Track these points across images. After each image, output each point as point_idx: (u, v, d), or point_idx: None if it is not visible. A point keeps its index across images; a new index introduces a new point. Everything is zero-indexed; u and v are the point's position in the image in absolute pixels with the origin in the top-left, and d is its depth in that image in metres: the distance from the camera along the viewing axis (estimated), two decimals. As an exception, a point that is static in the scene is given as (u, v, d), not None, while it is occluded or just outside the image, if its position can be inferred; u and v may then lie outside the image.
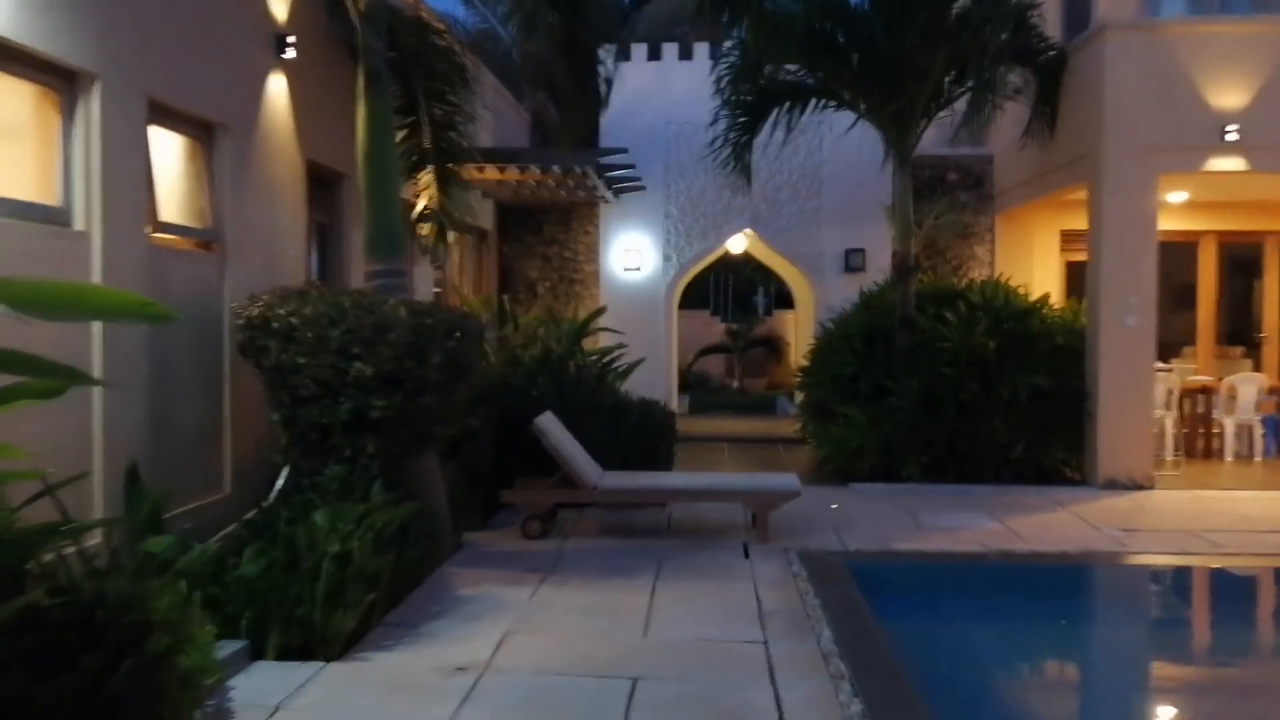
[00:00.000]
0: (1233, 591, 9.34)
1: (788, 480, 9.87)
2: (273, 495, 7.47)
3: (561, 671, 5.98)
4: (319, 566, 6.16)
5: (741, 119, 12.98)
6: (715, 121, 12.91)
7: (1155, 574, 9.46)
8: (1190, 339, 16.51)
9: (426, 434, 7.81)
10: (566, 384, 11.29)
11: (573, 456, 9.57)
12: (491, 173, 13.80)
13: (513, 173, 13.82)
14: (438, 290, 13.97)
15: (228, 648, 5.77)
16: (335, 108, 9.49)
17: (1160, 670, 7.89)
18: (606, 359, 12.17)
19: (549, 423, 9.80)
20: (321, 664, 5.97)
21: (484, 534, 9.72)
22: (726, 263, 30.07)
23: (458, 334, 7.59)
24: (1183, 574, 9.51)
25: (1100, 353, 12.14)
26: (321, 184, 10.13)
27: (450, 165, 11.06)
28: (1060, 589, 9.01)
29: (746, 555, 8.88)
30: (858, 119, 13.27)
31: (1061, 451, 12.55)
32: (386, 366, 7.23)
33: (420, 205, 11.05)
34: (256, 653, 5.99)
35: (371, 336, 7.25)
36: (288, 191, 9.09)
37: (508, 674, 5.93)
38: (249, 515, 7.11)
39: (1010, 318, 12.78)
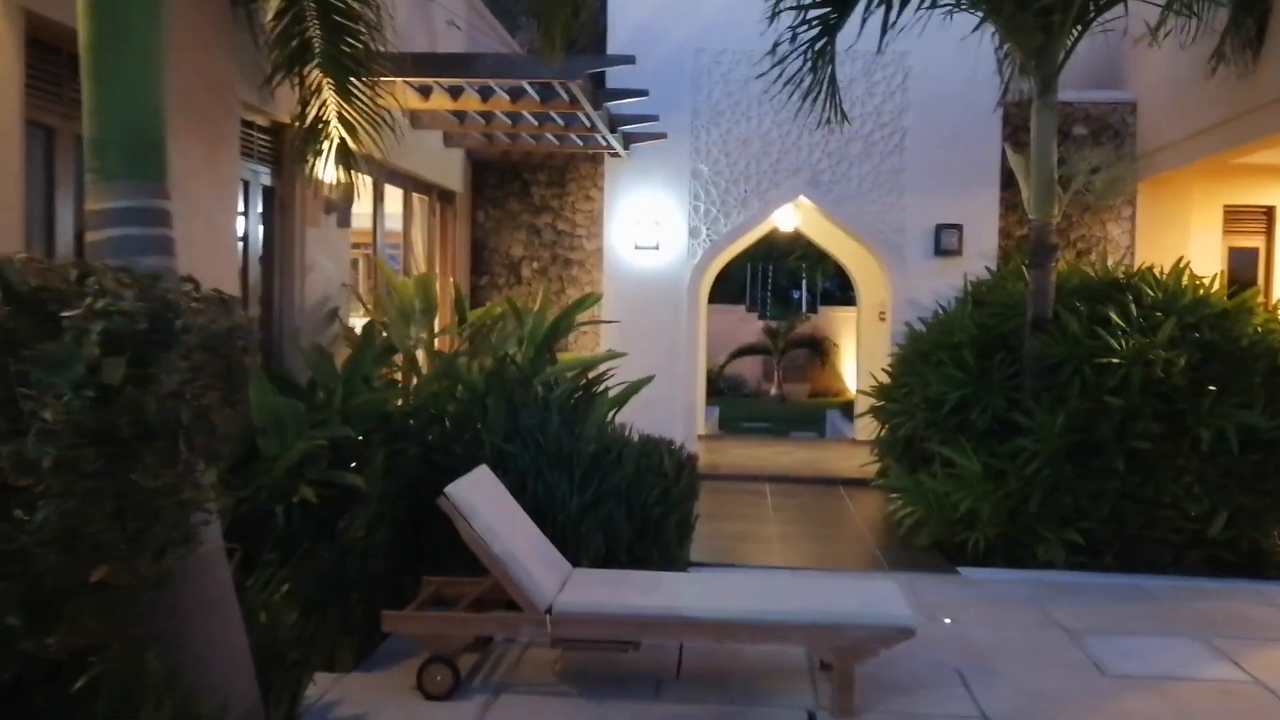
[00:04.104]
0: None
1: (887, 600, 5.63)
2: None
3: None
4: None
5: (818, 5, 8.60)
6: (775, 16, 8.56)
7: None
8: None
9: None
10: (526, 417, 7.15)
11: (510, 558, 5.41)
12: (441, 99, 9.62)
13: (472, 100, 9.63)
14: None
15: None
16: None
17: None
18: (591, 376, 7.97)
19: (475, 493, 5.64)
20: None
21: (357, 680, 5.63)
22: (766, 250, 26.66)
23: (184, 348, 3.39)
24: None
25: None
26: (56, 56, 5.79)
27: (356, 79, 7.08)
28: None
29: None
30: (982, 20, 8.97)
31: (1283, 527, 8.31)
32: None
33: (311, 113, 7.06)
34: None
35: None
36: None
37: None
38: None
39: (1206, 323, 8.52)
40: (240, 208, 7.41)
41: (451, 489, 5.49)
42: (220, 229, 6.89)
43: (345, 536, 5.88)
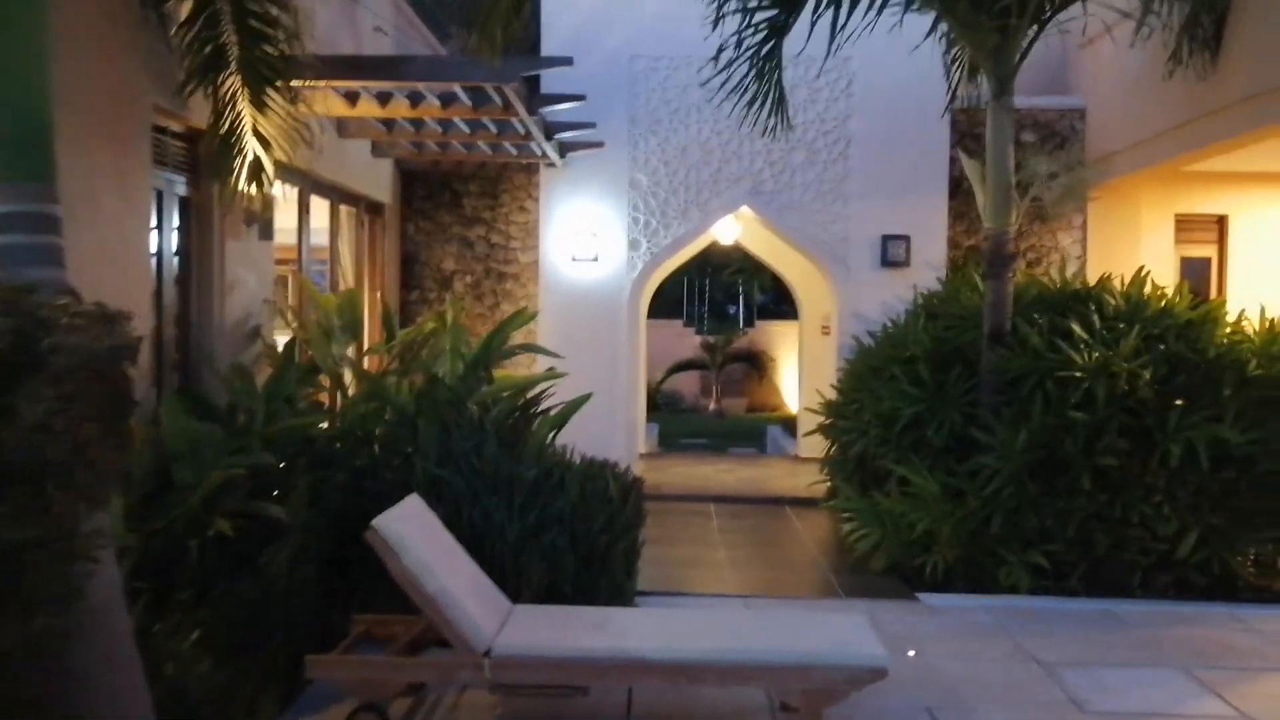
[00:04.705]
0: None
1: (857, 637, 5.18)
2: None
3: None
4: None
5: (765, 9, 8.15)
6: (720, 19, 8.12)
7: None
8: None
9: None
10: (460, 440, 6.64)
11: (445, 596, 4.90)
12: (369, 106, 9.09)
13: (401, 106, 9.11)
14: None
15: None
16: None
17: None
18: (530, 396, 7.47)
19: (406, 525, 5.13)
20: None
21: (277, 735, 5.09)
22: (701, 264, 26.29)
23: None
24: None
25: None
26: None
27: (270, 85, 6.57)
28: None
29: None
30: (935, 21, 8.61)
31: (1255, 547, 7.97)
32: None
33: (223, 125, 6.52)
34: None
35: None
36: None
37: None
38: None
39: (1171, 334, 8.20)
40: (154, 219, 6.82)
41: (379, 521, 4.96)
42: (131, 241, 6.32)
43: (266, 573, 5.34)
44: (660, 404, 23.55)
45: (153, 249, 6.77)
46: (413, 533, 5.13)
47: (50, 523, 2.74)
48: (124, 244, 6.16)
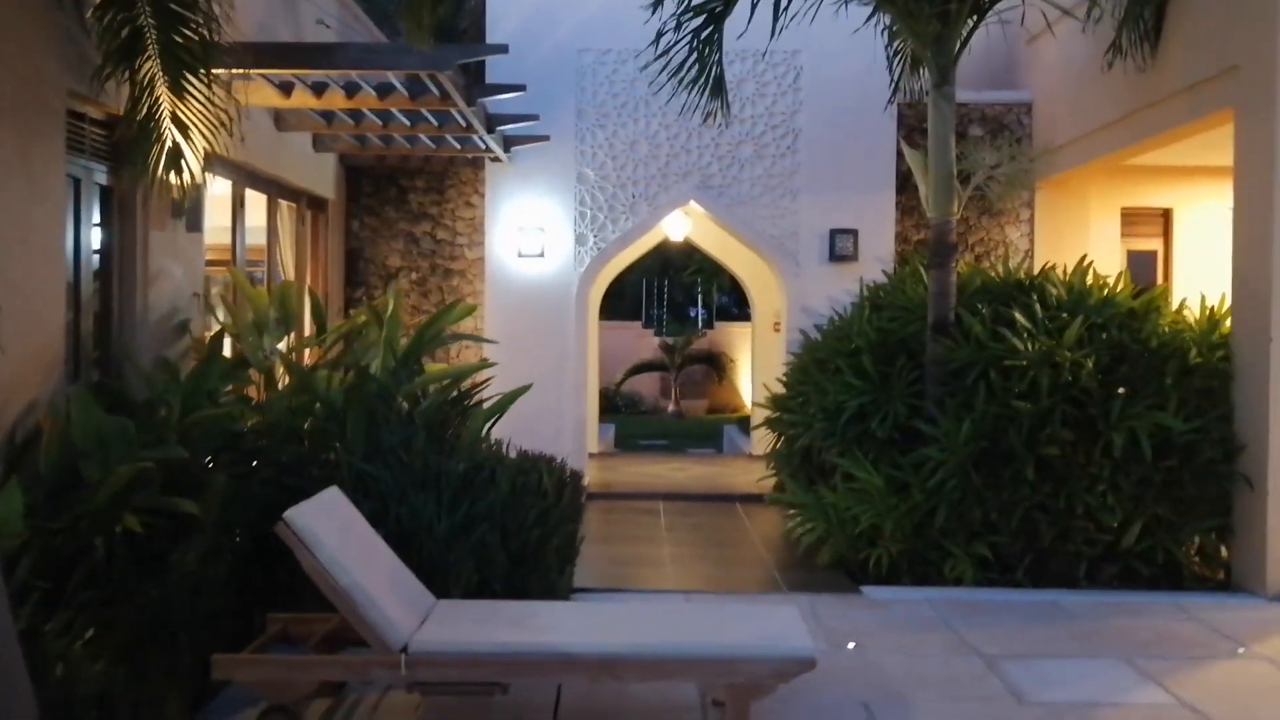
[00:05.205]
0: None
1: (784, 628, 5.04)
2: None
3: None
4: None
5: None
6: (659, 4, 7.98)
7: None
8: None
9: None
10: (389, 434, 6.47)
11: (357, 591, 4.73)
12: (304, 97, 8.90)
13: (337, 97, 8.92)
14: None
15: None
16: None
17: None
18: (464, 388, 7.30)
19: (320, 518, 4.96)
20: None
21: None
22: (661, 265, 26.20)
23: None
24: None
25: (1268, 383, 7.52)
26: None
27: (189, 70, 6.37)
28: None
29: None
30: (874, 10, 8.51)
31: (1199, 536, 7.90)
32: None
33: (140, 110, 6.33)
34: None
35: None
36: None
37: None
38: None
39: (1114, 323, 8.13)
40: (70, 209, 6.59)
41: (291, 514, 4.80)
42: (40, 232, 6.08)
43: (175, 571, 5.14)
44: (620, 406, 23.48)
45: (70, 240, 6.54)
46: (327, 526, 4.96)
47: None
48: (30, 234, 5.93)
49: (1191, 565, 7.95)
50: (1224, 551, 7.95)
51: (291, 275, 10.65)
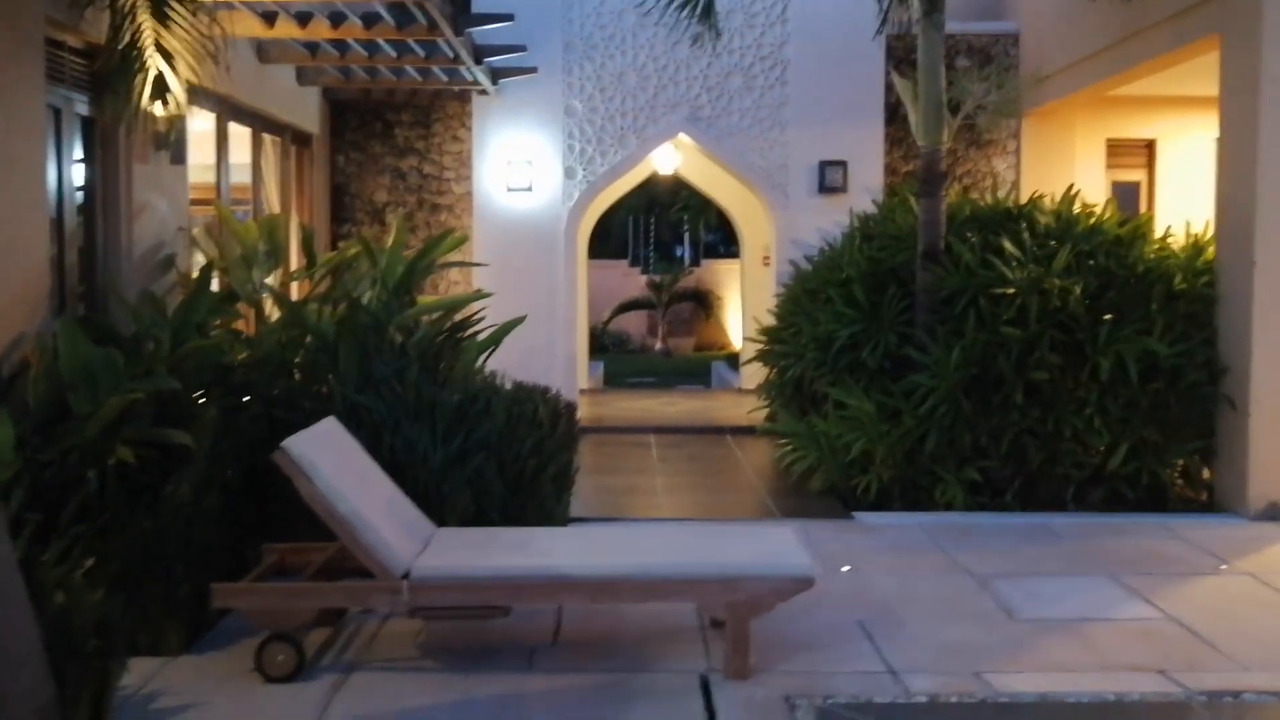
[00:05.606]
0: None
1: (783, 548, 5.10)
2: None
3: None
4: None
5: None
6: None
7: None
8: None
9: None
10: (381, 365, 6.46)
11: (357, 518, 4.76)
12: (288, 26, 8.79)
13: (322, 27, 8.82)
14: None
15: None
16: None
17: None
18: (459, 319, 7.30)
19: (318, 446, 4.98)
20: None
21: (187, 664, 4.98)
22: (648, 204, 26.12)
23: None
24: None
25: (1251, 307, 7.57)
26: None
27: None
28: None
29: (709, 710, 4.38)
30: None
31: (1184, 458, 7.99)
32: None
33: (122, 38, 6.24)
34: None
35: None
36: None
37: None
38: None
39: (1101, 250, 8.16)
40: (51, 140, 6.52)
41: (289, 443, 4.82)
42: (19, 163, 6.02)
43: (168, 502, 5.16)
44: (607, 344, 23.50)
45: (51, 172, 6.47)
46: (325, 454, 4.98)
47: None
48: (11, 163, 5.87)
49: (1176, 487, 8.05)
50: (1207, 473, 8.05)
51: (277, 212, 10.58)
